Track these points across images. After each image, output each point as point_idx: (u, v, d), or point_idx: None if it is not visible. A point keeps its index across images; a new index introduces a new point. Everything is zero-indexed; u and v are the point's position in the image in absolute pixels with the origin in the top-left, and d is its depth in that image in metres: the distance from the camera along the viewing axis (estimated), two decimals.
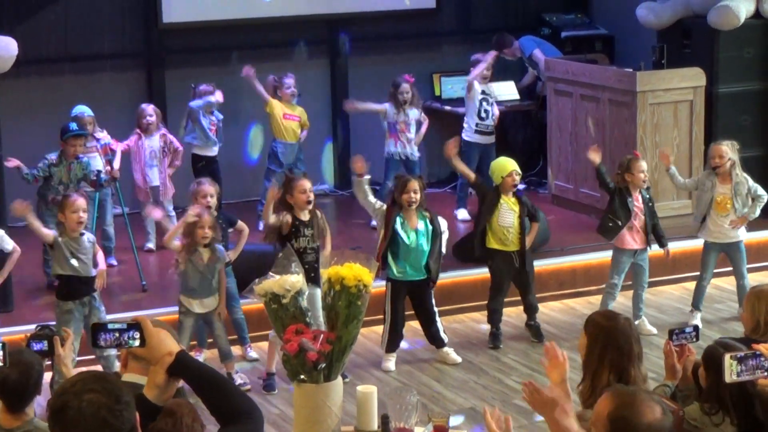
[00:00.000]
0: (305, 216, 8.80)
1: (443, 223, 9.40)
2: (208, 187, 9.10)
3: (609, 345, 5.29)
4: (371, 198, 9.27)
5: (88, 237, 8.68)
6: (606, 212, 9.64)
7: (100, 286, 8.69)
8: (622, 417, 3.93)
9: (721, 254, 9.95)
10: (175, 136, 11.27)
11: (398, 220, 9.06)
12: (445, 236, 9.37)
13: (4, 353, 4.68)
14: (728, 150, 9.72)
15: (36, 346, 5.34)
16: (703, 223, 9.88)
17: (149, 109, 11.13)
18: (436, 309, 9.29)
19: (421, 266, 9.12)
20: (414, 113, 11.83)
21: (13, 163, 9.88)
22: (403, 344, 9.39)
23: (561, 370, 4.56)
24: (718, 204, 9.76)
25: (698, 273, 10.03)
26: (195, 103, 11.40)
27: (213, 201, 9.06)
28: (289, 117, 11.64)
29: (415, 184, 9.07)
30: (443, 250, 9.36)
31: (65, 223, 8.51)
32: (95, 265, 8.68)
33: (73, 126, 10.16)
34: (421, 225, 9.09)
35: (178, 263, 8.79)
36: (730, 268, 10.01)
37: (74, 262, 8.46)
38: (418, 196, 9.05)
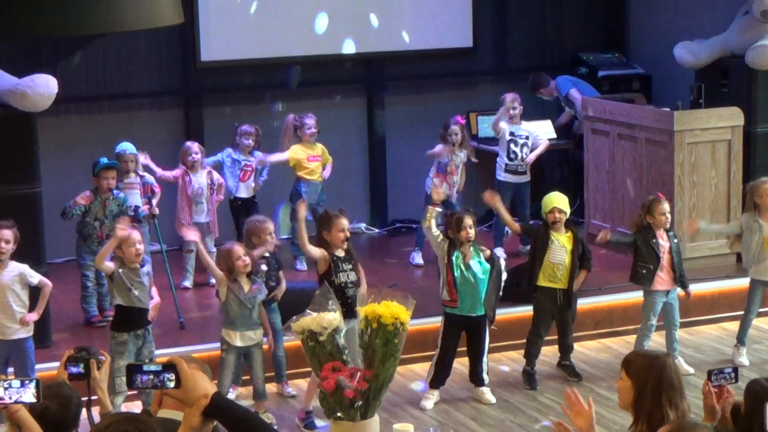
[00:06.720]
0: (341, 252, 8.80)
1: (502, 263, 9.26)
2: (270, 225, 9.20)
3: (662, 383, 5.23)
4: (435, 230, 9.19)
5: (147, 269, 8.71)
6: (635, 260, 9.58)
7: (152, 317, 8.71)
8: None
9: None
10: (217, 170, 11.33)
11: (457, 256, 9.00)
12: (503, 276, 9.21)
13: (38, 390, 4.68)
14: None
15: (73, 370, 5.34)
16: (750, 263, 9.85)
17: (195, 147, 11.16)
18: (486, 348, 9.19)
19: (477, 303, 9.02)
20: (462, 156, 11.84)
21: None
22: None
23: (586, 416, 4.56)
24: None
25: (736, 313, 9.93)
26: (228, 157, 11.54)
27: (274, 238, 9.20)
28: (312, 159, 11.65)
29: (469, 220, 9.03)
30: (500, 293, 9.23)
31: (123, 257, 8.53)
32: (151, 297, 8.73)
33: (104, 160, 10.24)
34: (475, 261, 9.02)
35: (218, 294, 8.80)
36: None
37: (136, 292, 8.51)
38: (473, 231, 9.03)
